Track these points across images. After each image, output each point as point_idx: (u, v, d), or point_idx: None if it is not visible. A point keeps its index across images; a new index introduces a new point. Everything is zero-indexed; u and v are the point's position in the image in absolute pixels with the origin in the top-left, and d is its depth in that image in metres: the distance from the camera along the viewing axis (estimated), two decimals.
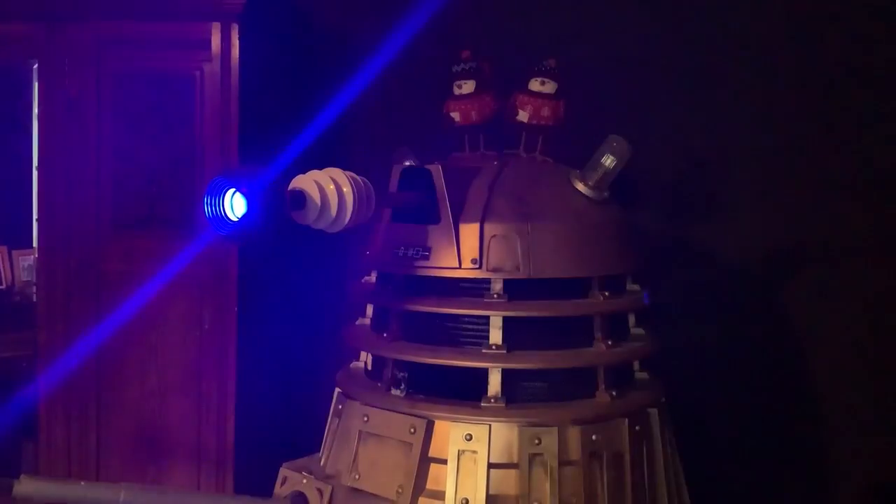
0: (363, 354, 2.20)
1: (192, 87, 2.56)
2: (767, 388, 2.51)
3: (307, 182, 1.66)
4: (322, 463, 2.11)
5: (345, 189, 1.66)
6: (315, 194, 1.64)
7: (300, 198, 1.63)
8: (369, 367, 2.14)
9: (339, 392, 2.14)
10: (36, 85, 3.19)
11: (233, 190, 1.55)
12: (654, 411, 2.03)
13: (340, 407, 2.10)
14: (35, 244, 2.72)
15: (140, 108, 2.59)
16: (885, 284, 2.46)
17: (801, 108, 2.56)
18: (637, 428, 1.95)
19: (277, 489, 2.11)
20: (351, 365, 2.24)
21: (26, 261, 4.20)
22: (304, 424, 2.87)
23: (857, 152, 2.53)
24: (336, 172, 1.70)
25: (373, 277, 2.22)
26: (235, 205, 1.57)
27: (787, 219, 2.53)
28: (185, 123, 2.57)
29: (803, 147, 2.56)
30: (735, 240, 2.54)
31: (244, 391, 2.65)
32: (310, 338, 3.00)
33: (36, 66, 3.19)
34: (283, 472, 2.12)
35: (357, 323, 2.25)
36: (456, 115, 2.18)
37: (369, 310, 2.23)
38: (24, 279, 4.19)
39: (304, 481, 2.07)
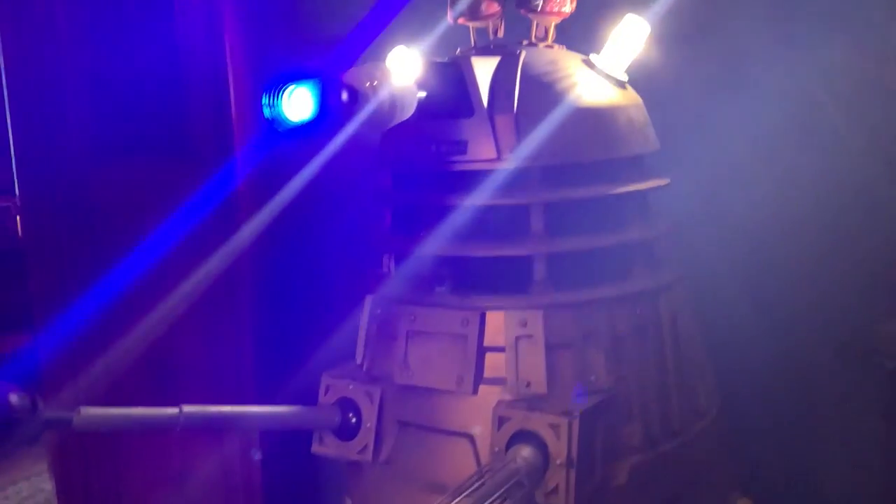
0: (386, 259, 2.18)
1: None
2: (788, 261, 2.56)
3: (356, 78, 1.62)
4: (364, 368, 2.11)
5: (397, 83, 1.62)
6: (369, 89, 1.60)
7: (354, 94, 1.58)
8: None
9: (373, 298, 2.12)
10: None
11: (292, 86, 1.50)
12: (682, 286, 2.11)
13: (379, 311, 2.09)
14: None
15: (115, 26, 2.45)
16: None
17: None
18: (671, 303, 2.03)
19: (322, 398, 2.11)
20: (380, 270, 2.22)
21: None
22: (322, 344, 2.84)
23: None
24: (382, 66, 1.66)
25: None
26: (294, 103, 1.52)
27: None
28: (166, 36, 2.42)
29: None
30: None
31: (259, 318, 2.61)
32: (324, 252, 2.95)
33: None
34: (326, 380, 2.12)
35: (382, 229, 2.23)
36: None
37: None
38: None
39: (351, 387, 2.07)
